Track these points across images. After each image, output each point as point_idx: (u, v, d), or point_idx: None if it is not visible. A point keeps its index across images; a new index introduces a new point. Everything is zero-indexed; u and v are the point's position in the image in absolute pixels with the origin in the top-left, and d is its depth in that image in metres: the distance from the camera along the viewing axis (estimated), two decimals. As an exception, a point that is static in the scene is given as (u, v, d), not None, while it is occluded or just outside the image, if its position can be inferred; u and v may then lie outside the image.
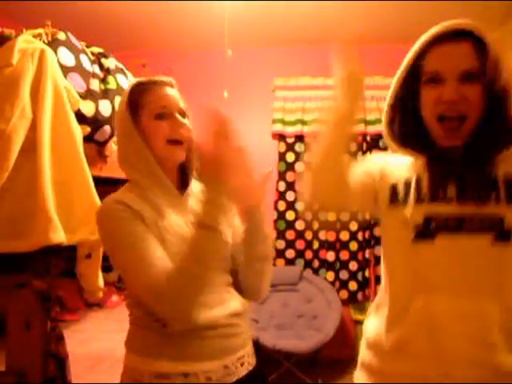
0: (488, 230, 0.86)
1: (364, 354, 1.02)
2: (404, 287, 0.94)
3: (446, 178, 0.92)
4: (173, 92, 1.06)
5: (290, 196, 3.36)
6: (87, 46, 1.55)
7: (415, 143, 0.97)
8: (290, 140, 3.37)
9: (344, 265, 3.22)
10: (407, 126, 0.98)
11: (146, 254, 0.90)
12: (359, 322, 3.03)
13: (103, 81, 1.55)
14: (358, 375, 1.03)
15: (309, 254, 3.31)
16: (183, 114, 1.05)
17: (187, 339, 0.95)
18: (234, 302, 1.03)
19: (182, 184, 1.08)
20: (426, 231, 0.90)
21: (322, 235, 3.29)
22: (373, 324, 1.01)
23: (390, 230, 1.01)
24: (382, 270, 1.04)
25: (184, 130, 1.02)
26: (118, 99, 1.57)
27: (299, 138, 3.36)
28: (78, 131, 1.29)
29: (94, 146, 1.55)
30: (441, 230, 0.89)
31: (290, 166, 3.36)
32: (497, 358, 0.84)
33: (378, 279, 3.18)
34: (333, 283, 3.20)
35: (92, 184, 1.30)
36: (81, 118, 1.35)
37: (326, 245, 3.23)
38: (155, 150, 1.01)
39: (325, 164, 0.97)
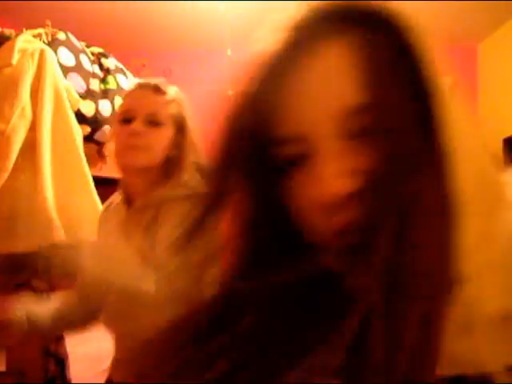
0: None
1: None
2: None
3: None
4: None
5: (290, 196, 3.36)
6: (87, 46, 1.55)
7: None
8: (290, 140, 3.37)
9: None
10: None
11: None
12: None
13: (103, 81, 1.55)
14: None
15: (309, 254, 3.32)
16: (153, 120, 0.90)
17: None
18: None
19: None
20: None
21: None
22: None
23: None
24: None
25: (139, 138, 0.88)
26: (118, 99, 1.57)
27: (299, 138, 3.37)
28: (78, 131, 1.29)
29: (94, 145, 1.55)
30: None
31: (290, 166, 3.37)
32: None
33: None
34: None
35: (92, 184, 1.29)
36: (81, 118, 1.35)
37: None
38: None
39: None
